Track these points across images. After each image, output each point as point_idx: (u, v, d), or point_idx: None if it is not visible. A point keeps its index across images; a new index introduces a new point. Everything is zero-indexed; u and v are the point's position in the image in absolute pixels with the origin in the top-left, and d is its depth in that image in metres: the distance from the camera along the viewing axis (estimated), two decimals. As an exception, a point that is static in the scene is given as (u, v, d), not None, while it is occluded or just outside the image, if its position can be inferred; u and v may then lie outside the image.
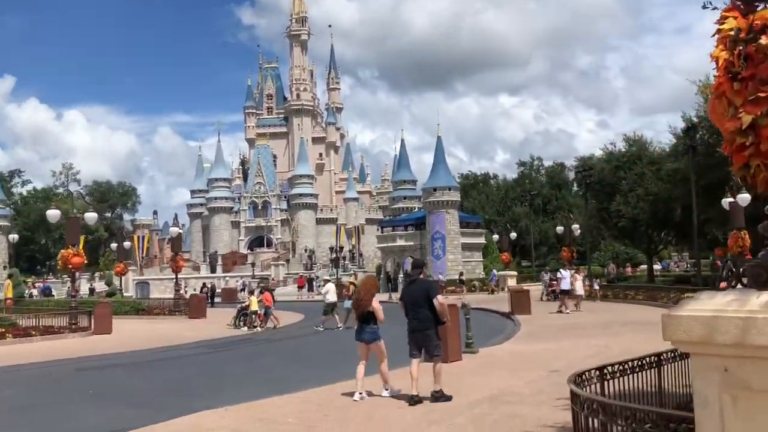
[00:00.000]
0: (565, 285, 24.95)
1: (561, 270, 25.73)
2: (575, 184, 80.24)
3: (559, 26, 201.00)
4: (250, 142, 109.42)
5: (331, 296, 23.40)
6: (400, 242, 56.24)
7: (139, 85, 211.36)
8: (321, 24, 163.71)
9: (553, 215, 77.16)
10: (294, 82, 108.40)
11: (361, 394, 9.30)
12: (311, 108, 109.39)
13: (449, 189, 52.87)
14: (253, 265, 68.94)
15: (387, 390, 9.47)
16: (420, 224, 55.28)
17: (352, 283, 25.23)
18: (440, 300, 9.12)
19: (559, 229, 44.01)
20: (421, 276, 9.58)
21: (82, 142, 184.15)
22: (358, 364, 9.51)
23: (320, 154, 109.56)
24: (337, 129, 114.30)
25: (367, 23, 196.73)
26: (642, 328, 18.44)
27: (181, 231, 46.64)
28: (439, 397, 8.94)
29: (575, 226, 40.50)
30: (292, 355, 17.57)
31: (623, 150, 36.58)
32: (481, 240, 56.87)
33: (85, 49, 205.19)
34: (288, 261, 75.95)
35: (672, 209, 31.03)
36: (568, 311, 24.27)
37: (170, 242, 39.67)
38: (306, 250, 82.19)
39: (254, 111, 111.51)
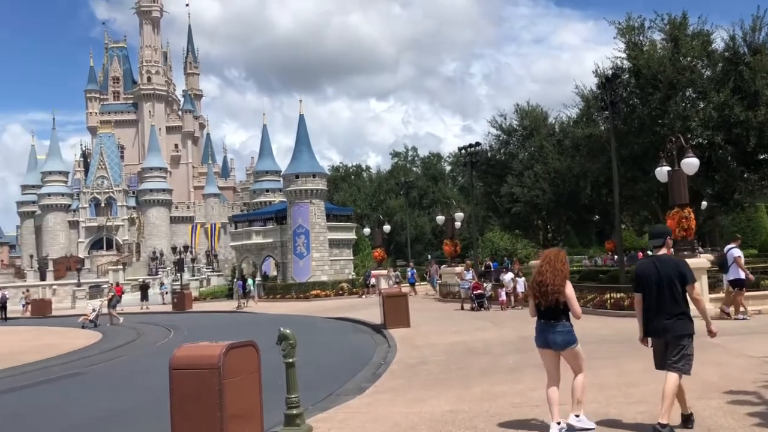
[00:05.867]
0: (735, 272, 14.69)
1: (733, 245, 14.94)
2: (453, 177, 75.69)
3: (425, 33, 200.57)
4: (93, 131, 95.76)
5: None
6: (257, 239, 47.81)
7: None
8: (180, 22, 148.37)
9: (429, 209, 71.78)
10: (144, 63, 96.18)
11: (560, 424, 5.84)
12: (164, 93, 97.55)
13: (314, 176, 45.17)
14: (79, 270, 57.43)
15: (578, 417, 5.85)
16: (281, 218, 47.21)
17: None
18: (697, 291, 5.73)
19: (440, 218, 37.78)
20: (664, 250, 5.87)
21: None
22: (549, 386, 5.98)
23: (176, 146, 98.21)
24: (196, 118, 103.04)
25: (230, 22, 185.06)
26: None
27: None
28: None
29: (459, 214, 34.38)
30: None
31: (515, 125, 30.60)
32: (352, 235, 49.70)
33: None
34: (124, 265, 64.80)
35: (580, 188, 25.17)
36: (744, 315, 14.60)
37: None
38: (154, 252, 71.33)
39: (98, 96, 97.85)
